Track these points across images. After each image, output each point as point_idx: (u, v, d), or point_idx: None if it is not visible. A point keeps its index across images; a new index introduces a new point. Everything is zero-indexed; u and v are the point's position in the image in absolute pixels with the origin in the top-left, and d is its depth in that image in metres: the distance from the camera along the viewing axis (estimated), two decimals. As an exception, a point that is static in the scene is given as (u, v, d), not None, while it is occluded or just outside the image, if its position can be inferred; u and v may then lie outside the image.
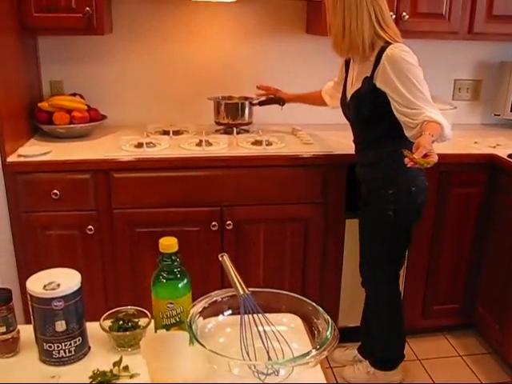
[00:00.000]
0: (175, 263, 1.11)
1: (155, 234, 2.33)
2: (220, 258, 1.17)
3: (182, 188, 2.30)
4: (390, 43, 1.91)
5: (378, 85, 1.92)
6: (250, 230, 2.39)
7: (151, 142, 2.39)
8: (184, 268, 1.11)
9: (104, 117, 2.66)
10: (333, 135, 2.63)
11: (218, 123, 2.64)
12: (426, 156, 1.68)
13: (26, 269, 2.27)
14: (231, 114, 2.59)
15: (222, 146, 2.40)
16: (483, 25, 2.61)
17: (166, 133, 2.59)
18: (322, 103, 2.50)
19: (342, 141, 2.48)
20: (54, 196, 2.22)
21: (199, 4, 2.67)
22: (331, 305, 2.55)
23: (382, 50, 1.91)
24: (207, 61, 2.81)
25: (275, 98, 2.61)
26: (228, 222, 2.34)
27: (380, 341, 2.32)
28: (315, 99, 2.55)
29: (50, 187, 2.21)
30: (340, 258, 2.50)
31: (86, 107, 2.57)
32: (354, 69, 2.09)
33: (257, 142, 2.42)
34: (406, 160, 1.69)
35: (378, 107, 1.96)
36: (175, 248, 1.09)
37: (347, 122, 2.20)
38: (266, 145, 2.40)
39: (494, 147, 2.56)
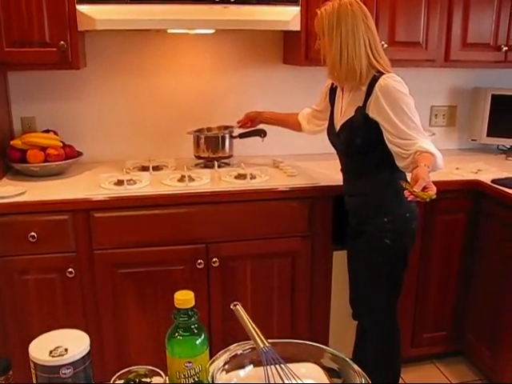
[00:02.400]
0: (192, 319, 1.03)
1: (139, 274, 2.28)
2: (233, 308, 1.09)
3: (166, 226, 2.22)
4: (382, 73, 1.91)
5: (371, 114, 1.91)
6: (236, 266, 2.33)
7: (131, 179, 2.32)
8: (200, 323, 1.03)
9: (80, 153, 2.57)
10: (315, 166, 2.60)
11: (198, 157, 2.58)
12: (424, 188, 1.67)
13: (1, 317, 2.15)
14: (211, 147, 2.54)
15: (205, 181, 2.33)
16: (459, 52, 2.65)
17: (145, 169, 2.51)
18: (298, 128, 2.47)
19: (325, 171, 2.45)
20: (31, 239, 2.11)
21: (175, 36, 2.62)
22: (321, 338, 2.49)
23: (375, 79, 1.91)
24: (185, 93, 2.76)
25: (256, 130, 2.57)
26: (214, 259, 2.27)
27: (376, 371, 2.26)
28: (290, 122, 2.50)
29: (26, 229, 2.11)
30: (328, 290, 2.45)
31: (60, 144, 2.48)
32: (344, 98, 2.06)
33: (240, 176, 2.36)
34: (406, 193, 1.67)
35: (371, 137, 1.95)
36: (192, 303, 1.02)
37: (328, 152, 2.18)
38: (250, 178, 2.35)
39: (476, 172, 2.57)
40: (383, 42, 2.48)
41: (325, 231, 2.37)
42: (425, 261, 2.52)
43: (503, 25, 2.67)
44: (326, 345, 2.44)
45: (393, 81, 1.89)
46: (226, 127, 2.64)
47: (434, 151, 1.85)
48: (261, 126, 2.59)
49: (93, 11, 2.23)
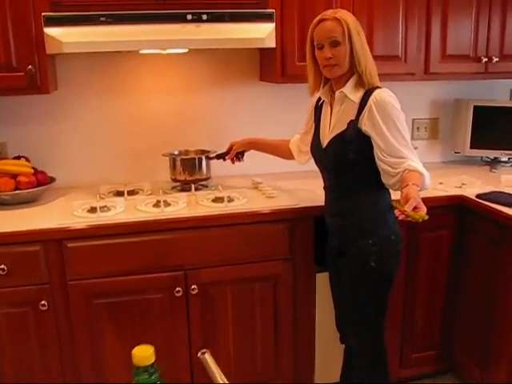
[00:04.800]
0: (153, 377, 0.93)
1: (115, 304, 2.19)
2: (200, 357, 1.01)
3: (142, 253, 2.15)
4: (375, 87, 1.88)
5: (364, 128, 1.87)
6: (216, 293, 2.25)
7: (105, 206, 2.24)
8: (163, 380, 0.95)
9: (53, 179, 2.49)
10: (296, 185, 2.53)
11: (174, 180, 2.51)
12: (415, 208, 1.63)
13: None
14: (188, 170, 2.46)
15: (181, 206, 2.26)
16: (438, 65, 2.61)
17: (120, 193, 2.44)
18: (289, 156, 2.40)
19: (306, 191, 2.39)
20: (0, 272, 2.03)
21: (149, 56, 2.56)
22: (306, 362, 2.43)
23: (368, 93, 1.87)
24: (161, 114, 2.70)
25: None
26: (193, 287, 2.20)
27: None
28: (281, 151, 2.43)
29: (-5, 262, 2.03)
30: (313, 314, 2.38)
31: (32, 170, 2.40)
32: (333, 113, 2.00)
33: (218, 199, 2.29)
34: (397, 212, 1.64)
35: (363, 151, 1.89)
36: (152, 359, 0.92)
37: (310, 170, 2.11)
38: (228, 201, 2.28)
39: (460, 187, 2.52)
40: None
41: (306, 253, 2.30)
42: (411, 280, 2.46)
43: (482, 35, 2.63)
44: (312, 368, 2.40)
45: (388, 95, 1.87)
46: (203, 151, 2.57)
47: (423, 170, 1.83)
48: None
49: (60, 34, 2.16)
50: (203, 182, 2.57)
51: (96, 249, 2.11)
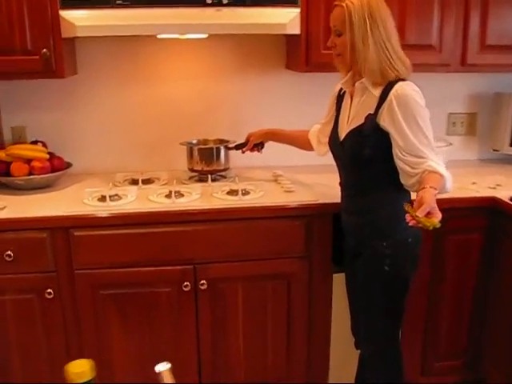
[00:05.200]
0: None
1: (122, 296, 2.13)
2: (159, 371, 0.92)
3: (150, 245, 2.08)
4: (400, 79, 1.73)
5: (382, 124, 1.73)
6: (226, 289, 2.16)
7: (117, 195, 2.18)
8: None
9: (69, 165, 2.45)
10: (317, 179, 2.41)
11: (191, 170, 2.43)
12: (428, 214, 1.51)
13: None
14: (205, 160, 2.38)
15: (195, 197, 2.18)
16: (477, 56, 2.42)
17: (135, 182, 2.37)
18: (308, 147, 2.28)
19: (327, 186, 2.25)
20: (7, 258, 2.00)
21: (169, 41, 2.47)
22: (320, 364, 2.32)
23: (390, 85, 1.73)
24: (181, 102, 2.62)
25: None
26: (202, 282, 2.12)
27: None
28: (300, 141, 2.32)
29: (2, 248, 1.99)
30: (328, 316, 2.26)
31: (47, 156, 2.36)
32: (353, 105, 1.88)
33: (233, 192, 2.20)
34: (408, 217, 1.51)
35: (380, 148, 1.77)
36: (89, 375, 0.84)
37: (333, 164, 1.98)
38: (243, 194, 2.18)
39: (495, 188, 2.34)
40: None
41: (323, 252, 2.18)
42: (436, 284, 2.30)
43: (527, 24, 2.42)
44: (327, 369, 2.29)
45: (411, 89, 1.71)
46: (222, 141, 2.48)
47: (444, 172, 1.68)
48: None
49: (74, 17, 2.10)
50: (222, 173, 2.48)
51: (103, 238, 2.06)
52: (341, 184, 1.98)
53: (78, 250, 2.05)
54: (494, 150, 2.79)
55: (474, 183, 2.39)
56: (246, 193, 2.21)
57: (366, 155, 1.78)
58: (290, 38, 2.49)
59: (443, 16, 2.34)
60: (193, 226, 2.08)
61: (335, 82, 1.98)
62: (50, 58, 2.16)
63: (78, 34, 2.09)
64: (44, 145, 2.44)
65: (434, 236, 2.22)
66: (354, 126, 1.82)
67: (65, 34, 2.14)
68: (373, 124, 1.75)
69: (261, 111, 2.65)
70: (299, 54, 2.32)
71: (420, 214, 1.49)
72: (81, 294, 2.09)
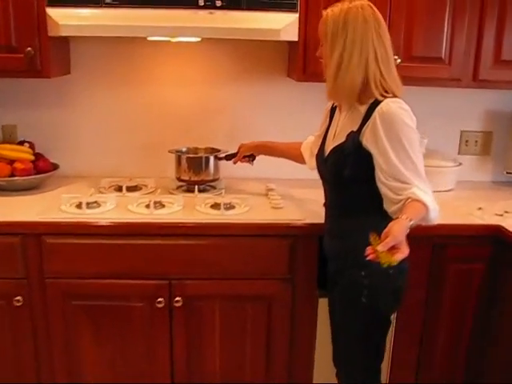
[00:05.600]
0: None
1: (94, 307, 2.04)
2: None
3: (125, 257, 1.98)
4: (387, 96, 1.58)
5: (365, 143, 1.60)
6: (203, 307, 2.05)
7: (96, 202, 2.09)
8: None
9: (55, 167, 2.38)
10: (312, 194, 2.25)
11: (179, 179, 2.32)
12: (393, 249, 1.36)
13: None
14: (193, 169, 2.27)
15: (176, 209, 2.07)
16: (490, 71, 2.23)
17: (120, 188, 2.28)
18: (301, 160, 2.16)
19: (318, 203, 2.09)
20: (-24, 262, 1.93)
21: (163, 44, 2.37)
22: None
23: (376, 102, 1.58)
24: (175, 107, 2.52)
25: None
26: (177, 299, 2.00)
27: None
28: (293, 154, 2.20)
29: (-29, 252, 1.93)
30: (312, 343, 2.12)
31: (31, 157, 2.30)
32: (340, 120, 1.75)
33: (216, 205, 2.08)
34: (368, 250, 1.38)
35: (361, 169, 1.63)
36: None
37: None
38: (227, 209, 2.06)
39: (502, 215, 2.16)
40: (396, 57, 2.11)
41: (308, 275, 2.04)
42: (431, 318, 2.14)
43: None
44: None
45: (398, 107, 1.57)
46: (213, 150, 2.37)
47: (428, 202, 1.53)
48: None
49: (59, 15, 2.02)
50: (212, 183, 2.36)
51: (77, 247, 1.97)
52: (325, 204, 1.85)
53: (50, 258, 1.97)
54: (508, 173, 2.59)
55: (479, 208, 2.20)
56: (230, 207, 2.09)
57: (347, 176, 1.64)
58: (292, 45, 2.36)
59: (454, 26, 2.17)
60: (170, 239, 1.98)
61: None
62: (35, 56, 2.09)
63: (62, 33, 2.01)
64: (31, 145, 2.37)
65: (432, 264, 2.07)
66: (337, 142, 1.69)
67: (51, 32, 2.05)
68: (354, 143, 1.61)
69: (259, 120, 2.53)
70: (297, 61, 2.19)
71: (381, 247, 1.35)
72: (51, 303, 2.01)
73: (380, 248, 1.34)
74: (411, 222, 1.45)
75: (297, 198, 2.27)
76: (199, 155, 2.33)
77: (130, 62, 2.44)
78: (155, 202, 2.07)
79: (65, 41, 2.36)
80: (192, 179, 2.27)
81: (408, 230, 1.45)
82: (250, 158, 2.26)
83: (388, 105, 1.56)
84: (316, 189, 2.17)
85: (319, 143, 1.87)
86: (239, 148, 2.27)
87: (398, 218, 1.46)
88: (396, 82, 1.63)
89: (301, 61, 2.17)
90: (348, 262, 1.71)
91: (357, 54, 1.58)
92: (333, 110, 1.86)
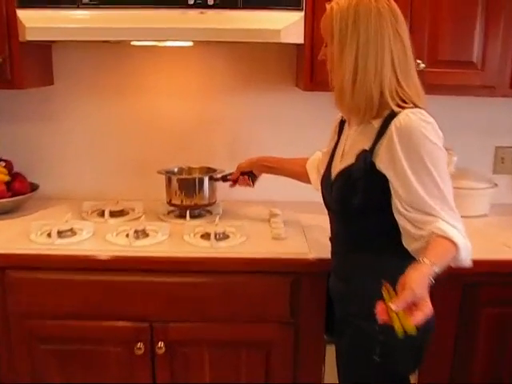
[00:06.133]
0: None
1: (64, 353, 1.76)
2: None
3: (99, 295, 1.71)
4: (405, 107, 1.28)
5: (379, 165, 1.30)
6: (189, 354, 1.76)
7: (71, 230, 1.83)
8: None
9: (34, 188, 2.13)
10: (321, 221, 1.92)
11: (169, 203, 2.04)
12: (411, 307, 1.05)
13: None
14: (186, 193, 1.98)
15: (160, 239, 1.79)
16: (531, 78, 1.90)
17: (104, 213, 2.01)
18: (305, 179, 1.87)
19: (327, 233, 1.81)
20: None
21: (154, 49, 2.11)
22: None
23: (393, 115, 1.28)
24: (169, 120, 2.24)
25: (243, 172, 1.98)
26: (159, 344, 1.72)
27: None
28: (297, 172, 1.90)
29: None
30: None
31: (6, 178, 2.05)
32: (349, 136, 1.45)
33: (207, 235, 1.79)
34: (379, 307, 1.07)
35: (374, 196, 1.33)
36: None
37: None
38: (219, 239, 1.77)
39: (546, 248, 1.82)
40: (419, 61, 1.79)
41: (314, 318, 1.73)
42: (461, 368, 1.80)
43: None
44: None
45: (420, 120, 1.26)
46: (210, 170, 2.08)
47: (458, 239, 1.21)
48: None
49: (32, 18, 1.78)
50: (208, 208, 2.08)
51: (45, 283, 1.71)
52: (331, 238, 1.54)
53: (14, 295, 1.72)
54: (552, 196, 2.24)
55: (517, 240, 1.87)
56: (223, 237, 1.80)
57: (356, 205, 1.34)
58: (299, 48, 2.07)
59: (488, 24, 1.84)
60: (151, 275, 1.70)
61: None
62: (5, 65, 1.84)
63: (28, 38, 1.76)
64: (8, 164, 2.12)
65: (462, 308, 1.74)
66: (345, 163, 1.39)
67: (22, 37, 1.81)
68: (366, 164, 1.31)
69: (262, 135, 2.24)
70: (303, 67, 1.90)
71: (396, 306, 1.04)
72: (17, 346, 1.76)
73: (394, 307, 1.03)
74: (436, 269, 1.14)
75: (304, 225, 1.97)
76: (191, 176, 2.05)
77: (119, 71, 2.18)
78: (137, 231, 1.80)
79: (45, 48, 2.12)
80: (184, 203, 1.99)
81: (432, 280, 1.13)
82: (250, 177, 1.95)
83: (407, 117, 1.26)
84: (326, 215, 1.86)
85: (326, 163, 1.57)
86: (236, 169, 1.98)
87: (418, 261, 1.15)
88: (416, 90, 1.33)
89: (307, 67, 1.87)
90: (357, 311, 1.40)
91: (373, 58, 1.28)
92: (342, 124, 1.56)
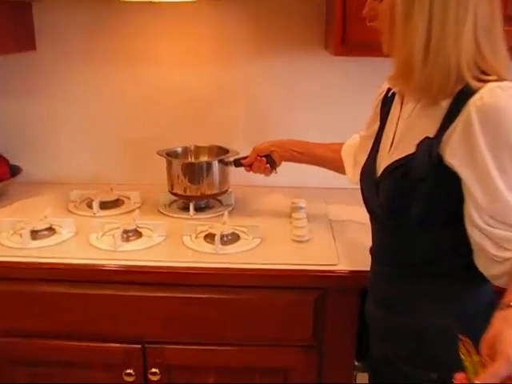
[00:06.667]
0: None
1: (42, 376, 1.48)
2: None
3: (82, 311, 1.40)
4: (487, 80, 0.92)
5: (449, 160, 0.93)
6: (189, 381, 1.45)
7: (50, 227, 1.52)
8: None
9: (17, 171, 1.83)
10: (358, 215, 1.54)
11: (172, 192, 1.70)
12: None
13: None
14: (190, 179, 1.64)
15: (155, 241, 1.47)
16: None
17: (90, 204, 1.70)
18: (339, 168, 1.51)
19: (365, 232, 1.44)
20: None
21: (158, 6, 1.74)
22: None
23: (468, 91, 0.91)
24: (172, 93, 1.88)
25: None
26: (153, 370, 1.41)
27: None
28: (328, 159, 1.55)
29: None
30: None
31: (-20, 162, 1.75)
32: (401, 117, 1.08)
33: (212, 237, 1.45)
34: (457, 378, 0.73)
35: (441, 203, 0.98)
36: None
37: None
38: (225, 243, 1.44)
39: None
40: None
41: (342, 341, 1.40)
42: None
43: None
44: None
45: (509, 96, 0.89)
46: (221, 150, 1.73)
47: None
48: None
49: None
50: (219, 197, 1.74)
51: (18, 296, 1.42)
52: (372, 251, 1.19)
53: (-16, 309, 1.42)
54: None
55: None
56: (232, 239, 1.46)
57: (415, 214, 0.98)
58: (330, 5, 1.67)
59: None
60: (142, 289, 1.38)
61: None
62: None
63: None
64: (-14, 144, 1.82)
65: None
66: (398, 156, 1.02)
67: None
68: (432, 158, 0.94)
69: (283, 112, 1.87)
70: (333, 27, 1.51)
71: (483, 381, 0.70)
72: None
73: (481, 381, 0.69)
74: None
75: (334, 222, 1.61)
76: (197, 161, 1.70)
77: (113, 34, 1.82)
78: (127, 232, 1.47)
79: (24, 7, 1.77)
80: (188, 193, 1.65)
81: None
82: (270, 162, 1.58)
83: (493, 92, 0.89)
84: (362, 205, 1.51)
85: (367, 151, 1.20)
86: (252, 151, 1.62)
87: (508, 306, 0.80)
88: (503, 60, 0.95)
89: (338, 24, 1.48)
90: (405, 355, 1.06)
91: (452, 17, 0.90)
92: (386, 101, 1.19)
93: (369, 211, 1.16)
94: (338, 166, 1.51)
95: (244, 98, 1.87)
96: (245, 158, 1.62)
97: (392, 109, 1.15)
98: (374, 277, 1.17)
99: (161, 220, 1.57)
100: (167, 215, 1.66)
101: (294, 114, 1.86)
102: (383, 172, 1.06)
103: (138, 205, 1.73)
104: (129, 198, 1.76)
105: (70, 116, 1.91)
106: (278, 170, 1.61)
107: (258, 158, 1.58)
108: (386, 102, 1.19)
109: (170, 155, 1.68)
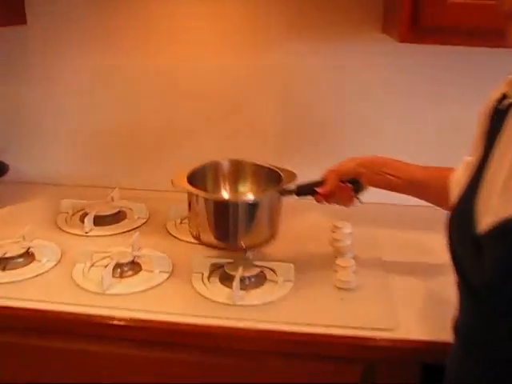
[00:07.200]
0: None
1: None
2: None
3: (56, 369, 1.09)
4: None
5: None
6: None
7: (28, 252, 1.21)
8: None
9: (3, 170, 1.53)
10: (416, 245, 1.21)
11: (197, 239, 1.21)
12: None
13: None
14: (220, 229, 1.17)
15: (155, 282, 1.14)
16: None
17: (84, 217, 1.37)
18: (442, 201, 1.08)
19: (432, 279, 1.10)
20: None
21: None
22: None
23: None
24: (193, 82, 1.53)
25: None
26: None
27: None
28: (432, 189, 1.13)
29: None
30: None
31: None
32: None
33: (229, 280, 1.11)
34: None
35: None
36: None
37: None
38: (246, 287, 1.10)
39: None
40: None
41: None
42: None
43: None
44: None
45: None
46: (271, 172, 1.26)
47: None
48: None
49: None
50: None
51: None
52: (457, 328, 0.82)
53: None
54: None
55: None
56: (255, 284, 1.12)
57: None
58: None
59: None
60: (134, 347, 1.06)
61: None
62: None
63: None
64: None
65: None
66: None
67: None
68: None
69: (346, 105, 1.50)
70: (400, 4, 1.13)
71: None
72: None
73: None
74: None
75: (386, 251, 1.26)
76: (241, 200, 1.24)
77: (119, 7, 1.47)
78: (121, 265, 1.15)
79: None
80: (219, 245, 1.18)
81: None
82: (355, 189, 1.17)
83: None
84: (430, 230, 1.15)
85: (466, 185, 0.83)
86: (329, 174, 1.19)
87: None
88: None
89: (408, 4, 1.10)
90: None
91: None
92: (497, 116, 0.80)
93: (460, 277, 0.80)
94: (441, 198, 1.08)
95: (281, 92, 1.51)
96: (317, 182, 1.18)
97: (504, 126, 0.77)
98: (455, 358, 0.81)
99: (167, 243, 1.26)
100: (176, 238, 1.33)
101: (351, 106, 1.49)
102: (493, 229, 0.69)
103: (143, 220, 1.40)
104: (132, 210, 1.44)
105: (65, 103, 1.58)
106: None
107: (341, 184, 1.20)
108: (497, 117, 0.80)
109: (194, 181, 1.18)
